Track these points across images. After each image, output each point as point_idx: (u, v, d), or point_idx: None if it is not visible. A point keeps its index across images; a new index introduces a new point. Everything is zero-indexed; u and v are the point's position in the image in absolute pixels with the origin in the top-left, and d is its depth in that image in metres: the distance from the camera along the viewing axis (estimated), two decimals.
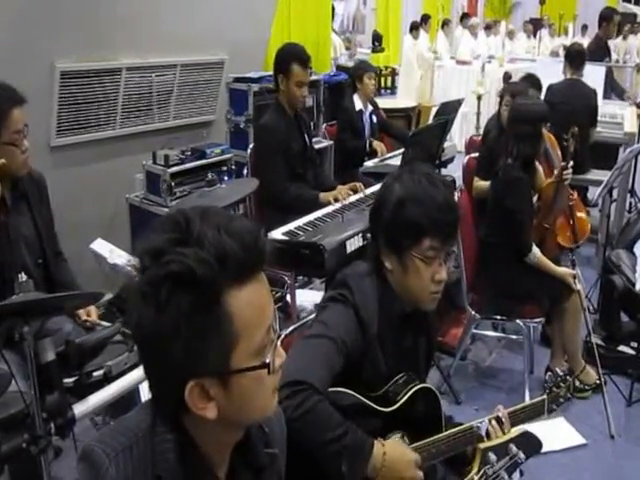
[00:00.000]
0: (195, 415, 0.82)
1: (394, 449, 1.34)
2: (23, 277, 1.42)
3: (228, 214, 0.83)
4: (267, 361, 0.82)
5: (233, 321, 0.79)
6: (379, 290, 1.45)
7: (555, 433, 2.56)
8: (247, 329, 0.80)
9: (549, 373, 1.72)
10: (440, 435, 1.45)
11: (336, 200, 2.87)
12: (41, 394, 1.33)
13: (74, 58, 3.26)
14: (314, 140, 3.61)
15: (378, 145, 4.17)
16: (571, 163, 3.00)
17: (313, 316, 1.53)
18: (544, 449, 1.64)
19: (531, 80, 3.81)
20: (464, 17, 10.61)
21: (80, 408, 1.43)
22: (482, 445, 1.44)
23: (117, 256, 2.19)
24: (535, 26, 11.08)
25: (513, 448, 1.44)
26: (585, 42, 6.25)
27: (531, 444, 1.51)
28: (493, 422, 1.49)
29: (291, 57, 3.06)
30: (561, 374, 1.69)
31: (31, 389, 1.32)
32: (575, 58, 4.36)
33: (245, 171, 3.49)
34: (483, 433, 1.48)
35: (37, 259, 2.01)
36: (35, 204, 2.03)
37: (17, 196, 1.99)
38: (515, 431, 1.50)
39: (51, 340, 1.40)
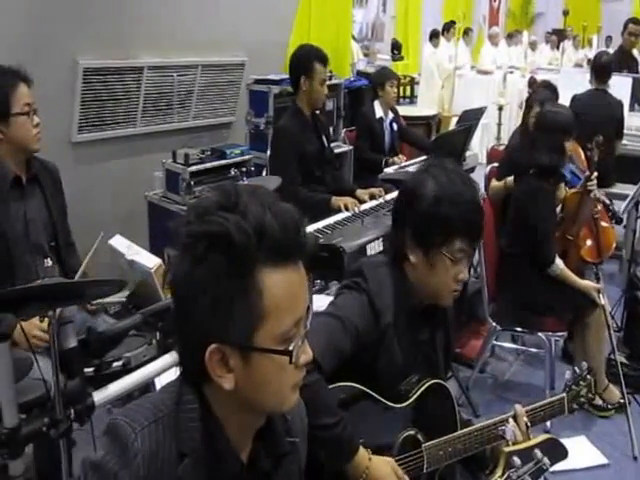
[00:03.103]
0: (215, 385, 0.83)
1: (379, 467, 1.32)
2: (49, 262, 1.42)
3: (277, 198, 0.85)
4: (290, 348, 0.82)
5: (262, 298, 0.80)
6: (395, 280, 1.45)
7: (576, 452, 2.48)
8: (276, 311, 0.81)
9: (568, 371, 1.67)
10: (456, 433, 1.43)
11: (346, 208, 2.84)
12: (62, 380, 1.34)
13: (97, 55, 3.28)
14: (334, 144, 3.58)
15: (398, 160, 4.10)
16: (595, 173, 2.94)
17: None
18: (565, 467, 1.59)
19: (548, 88, 3.74)
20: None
21: (99, 396, 1.45)
22: (507, 449, 1.42)
23: (135, 252, 2.17)
24: (558, 37, 11.02)
25: (538, 453, 1.40)
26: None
27: (557, 451, 1.48)
28: (511, 420, 1.46)
29: (312, 56, 3.06)
30: (580, 372, 1.65)
31: (53, 373, 1.33)
32: (601, 68, 4.29)
33: (264, 173, 3.48)
34: (508, 437, 1.44)
35: (50, 242, 2.04)
36: (48, 188, 2.07)
37: (30, 178, 2.03)
38: (541, 436, 1.47)
39: (73, 326, 1.40)
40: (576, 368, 1.67)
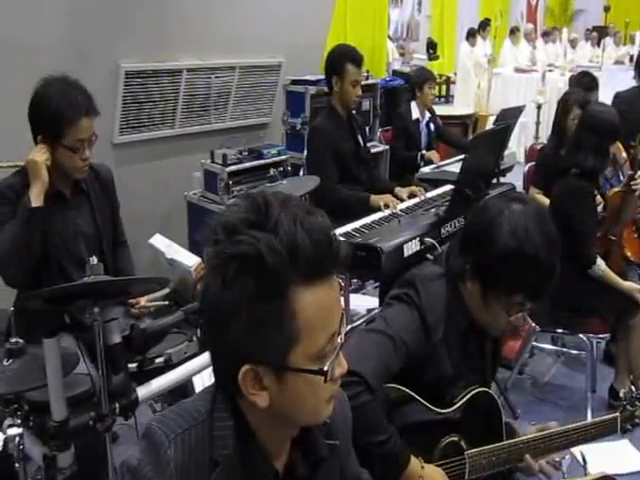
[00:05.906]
0: (248, 399, 0.82)
1: (432, 477, 1.32)
2: (94, 260, 1.45)
3: (308, 208, 0.81)
4: (325, 369, 0.80)
5: (297, 319, 0.78)
6: (449, 295, 1.42)
7: (619, 456, 2.43)
8: (310, 331, 0.79)
9: (623, 390, 1.62)
10: (502, 443, 1.41)
11: (386, 206, 2.83)
12: (107, 375, 1.37)
13: (138, 58, 3.35)
14: (370, 144, 3.58)
15: (432, 155, 4.08)
16: (639, 172, 2.86)
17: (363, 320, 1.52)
18: (607, 471, 1.55)
19: (587, 79, 3.65)
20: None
21: (142, 391, 1.48)
22: None
23: (174, 251, 2.21)
24: (599, 34, 10.75)
25: None
26: None
27: None
28: (568, 456, 1.45)
29: (344, 57, 3.06)
30: (636, 391, 1.59)
31: (98, 369, 1.37)
32: None
33: (301, 173, 3.50)
34: (564, 469, 1.44)
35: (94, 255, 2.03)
36: (96, 200, 2.04)
37: (77, 191, 2.01)
38: (596, 473, 1.45)
39: (118, 323, 1.43)
40: (632, 387, 1.61)
